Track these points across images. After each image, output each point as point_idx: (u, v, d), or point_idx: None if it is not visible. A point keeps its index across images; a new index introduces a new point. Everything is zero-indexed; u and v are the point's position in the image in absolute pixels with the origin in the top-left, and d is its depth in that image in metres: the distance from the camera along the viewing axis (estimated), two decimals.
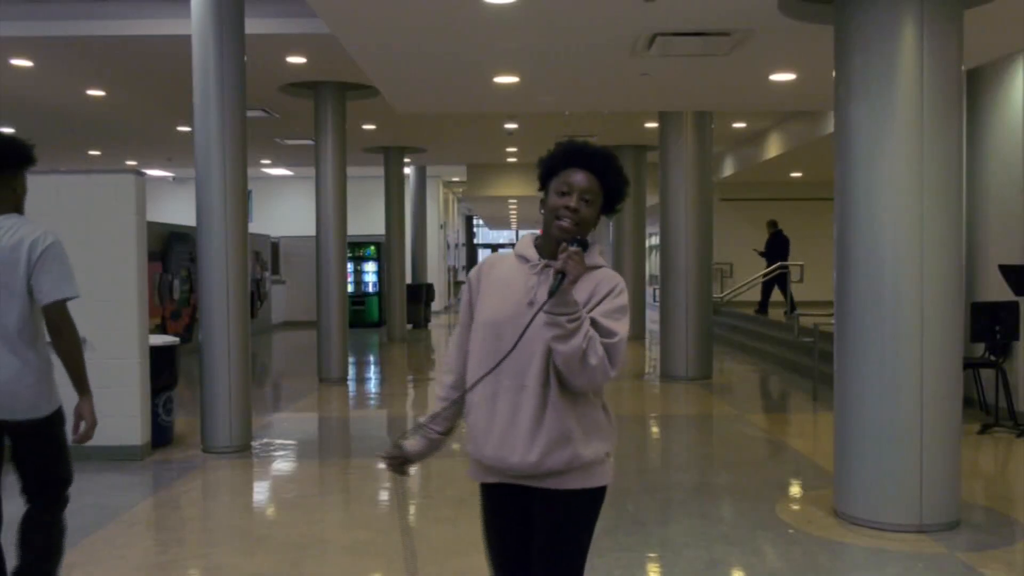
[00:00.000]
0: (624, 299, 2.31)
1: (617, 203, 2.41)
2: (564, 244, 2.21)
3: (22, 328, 3.19)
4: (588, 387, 2.25)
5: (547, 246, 2.36)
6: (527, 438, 2.27)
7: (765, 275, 14.93)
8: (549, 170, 2.39)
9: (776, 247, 14.85)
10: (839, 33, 5.00)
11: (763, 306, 15.16)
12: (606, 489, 2.40)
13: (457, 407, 2.47)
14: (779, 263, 14.54)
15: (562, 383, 2.25)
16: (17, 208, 3.33)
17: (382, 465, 2.45)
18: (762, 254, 15.12)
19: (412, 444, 2.47)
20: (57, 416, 3.36)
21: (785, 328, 12.58)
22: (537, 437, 2.27)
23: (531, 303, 2.26)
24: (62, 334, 3.21)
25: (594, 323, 2.21)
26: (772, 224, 15.17)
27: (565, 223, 2.29)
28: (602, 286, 2.30)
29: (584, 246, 2.25)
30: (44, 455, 3.38)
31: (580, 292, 2.23)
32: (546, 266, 2.32)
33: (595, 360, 2.17)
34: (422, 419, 2.49)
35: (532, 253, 2.37)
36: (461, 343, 2.48)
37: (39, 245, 3.19)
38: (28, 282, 3.18)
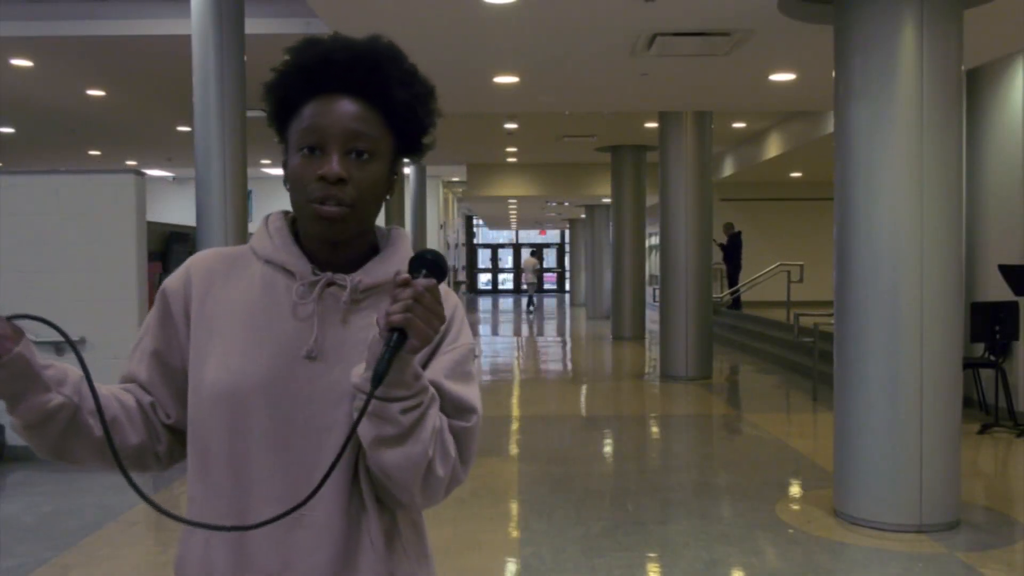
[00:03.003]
0: (469, 334, 1.32)
1: (419, 134, 1.33)
2: (399, 273, 1.12)
3: None
4: (424, 506, 1.26)
5: (314, 243, 1.29)
6: None
7: (741, 279, 16.07)
8: (283, 105, 1.28)
9: (736, 247, 16.02)
10: (839, 33, 5.00)
11: (735, 302, 16.29)
12: None
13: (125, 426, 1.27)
14: (779, 263, 14.81)
15: (383, 498, 1.26)
16: None
17: None
18: (722, 247, 15.96)
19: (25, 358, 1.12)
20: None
21: (785, 328, 12.58)
22: None
23: (310, 355, 1.23)
24: None
25: (436, 390, 1.22)
26: (729, 226, 16.27)
27: (330, 209, 1.21)
28: None
29: (441, 273, 1.15)
30: None
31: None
32: (329, 285, 1.26)
33: (444, 470, 1.20)
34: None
35: (297, 260, 1.28)
36: (126, 386, 1.31)
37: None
38: None
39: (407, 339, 1.10)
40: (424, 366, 1.23)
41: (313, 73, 1.24)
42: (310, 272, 1.26)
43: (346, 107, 1.24)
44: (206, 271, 1.31)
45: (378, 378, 1.09)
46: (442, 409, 1.21)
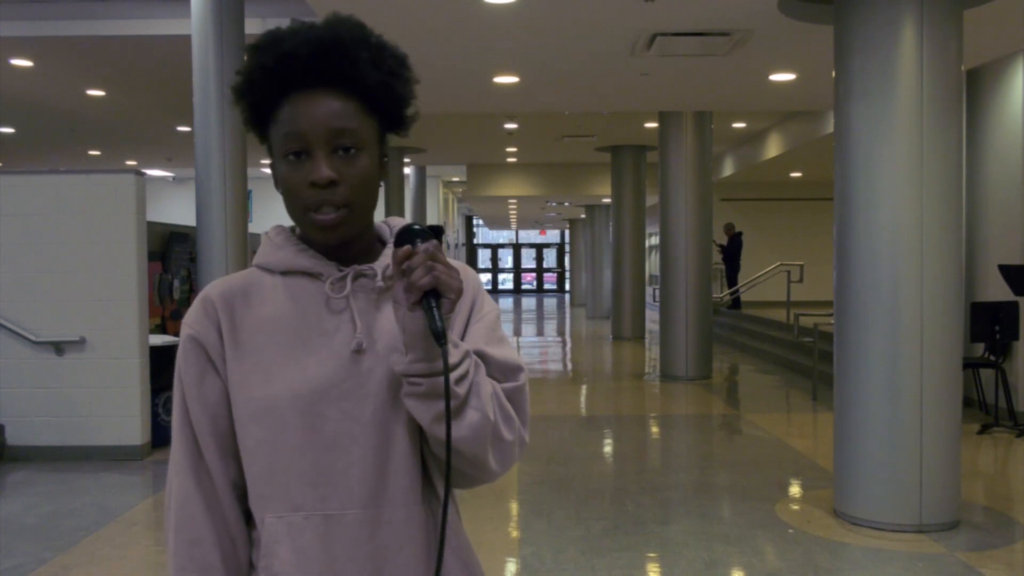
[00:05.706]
0: (492, 302, 1.31)
1: (402, 109, 1.26)
2: (399, 249, 1.12)
3: None
4: (500, 473, 1.25)
5: (321, 246, 1.27)
6: None
7: (735, 279, 16.34)
8: (256, 109, 1.23)
9: (737, 247, 16.23)
10: (839, 33, 5.00)
11: (735, 302, 16.43)
12: None
13: None
14: (779, 263, 14.88)
15: (452, 482, 1.25)
16: None
17: None
18: (721, 247, 16.13)
19: None
20: None
21: (785, 328, 12.59)
22: None
23: (359, 348, 1.20)
24: None
25: (482, 359, 1.21)
26: (730, 227, 16.48)
27: (327, 217, 1.18)
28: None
29: (435, 234, 1.16)
30: None
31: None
32: (356, 277, 1.24)
33: (510, 433, 1.21)
34: None
35: (318, 261, 1.25)
36: (201, 478, 1.23)
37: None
38: None
39: (441, 298, 1.10)
40: (462, 334, 1.25)
41: (278, 74, 1.18)
42: (335, 268, 1.24)
43: (322, 105, 1.18)
44: (222, 295, 1.25)
45: (439, 336, 1.08)
46: (491, 375, 1.21)
